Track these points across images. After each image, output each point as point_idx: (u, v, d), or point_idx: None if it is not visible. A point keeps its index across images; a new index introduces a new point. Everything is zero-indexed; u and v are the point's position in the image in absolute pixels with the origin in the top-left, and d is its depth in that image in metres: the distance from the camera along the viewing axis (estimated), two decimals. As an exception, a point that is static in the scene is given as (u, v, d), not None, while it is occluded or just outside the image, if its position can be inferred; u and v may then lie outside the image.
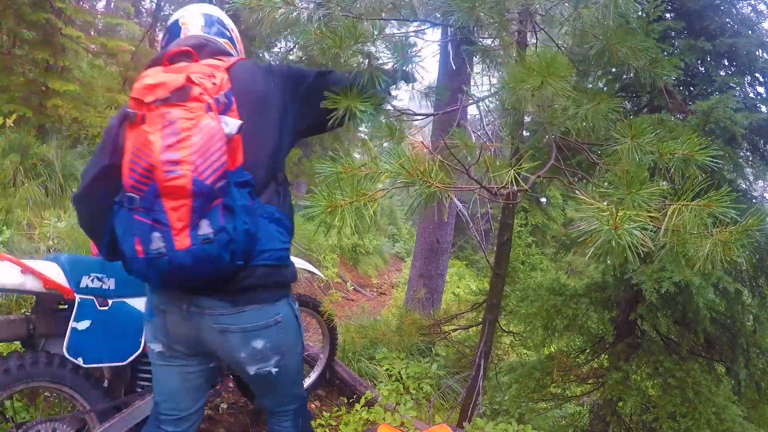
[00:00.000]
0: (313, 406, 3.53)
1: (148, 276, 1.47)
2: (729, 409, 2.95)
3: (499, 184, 1.80)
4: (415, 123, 2.27)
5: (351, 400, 3.49)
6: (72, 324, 2.15)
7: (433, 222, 5.61)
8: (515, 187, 1.76)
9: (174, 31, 1.81)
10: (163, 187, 1.34)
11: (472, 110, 6.36)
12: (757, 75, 3.42)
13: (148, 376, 2.48)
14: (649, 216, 1.51)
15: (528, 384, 3.61)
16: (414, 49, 1.93)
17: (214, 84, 1.45)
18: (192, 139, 1.34)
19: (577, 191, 1.84)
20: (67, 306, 2.23)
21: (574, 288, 3.61)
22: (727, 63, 3.48)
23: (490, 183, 1.90)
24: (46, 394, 2.44)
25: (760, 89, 3.49)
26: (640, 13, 3.06)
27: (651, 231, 1.50)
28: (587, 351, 3.77)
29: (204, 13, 1.86)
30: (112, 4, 12.36)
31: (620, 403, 3.33)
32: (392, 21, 2.21)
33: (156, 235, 1.38)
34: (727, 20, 3.39)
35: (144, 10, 14.03)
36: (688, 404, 3.00)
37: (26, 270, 2.04)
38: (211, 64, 1.54)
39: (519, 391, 3.62)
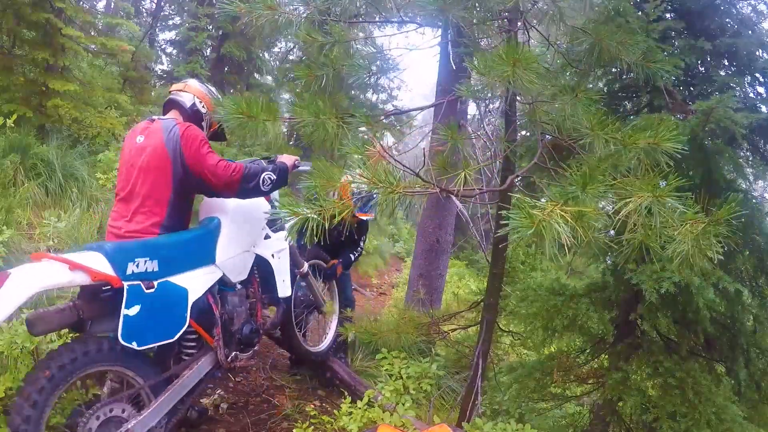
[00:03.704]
0: (312, 405, 3.53)
1: None
2: (729, 409, 2.95)
3: (493, 182, 1.85)
4: (415, 123, 2.28)
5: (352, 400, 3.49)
6: (123, 311, 2.19)
7: (433, 222, 5.60)
8: (475, 189, 1.81)
9: None
10: None
11: (472, 110, 6.36)
12: (757, 75, 3.42)
13: (193, 344, 2.63)
14: (595, 211, 1.53)
15: (528, 384, 3.61)
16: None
17: None
18: None
19: (545, 191, 1.86)
20: (110, 287, 2.24)
21: (574, 288, 3.60)
22: (727, 63, 3.48)
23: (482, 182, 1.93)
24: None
25: (760, 89, 3.49)
26: (639, 13, 3.06)
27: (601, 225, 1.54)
28: (587, 351, 3.77)
29: None
30: (112, 4, 12.35)
31: (620, 403, 3.32)
32: (382, 23, 2.24)
33: None
34: (727, 20, 3.39)
35: (144, 10, 14.03)
36: (688, 404, 2.99)
37: (74, 267, 2.09)
38: None
39: (519, 391, 3.61)
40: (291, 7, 2.13)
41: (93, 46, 7.02)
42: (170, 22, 12.85)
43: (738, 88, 3.26)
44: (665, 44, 3.19)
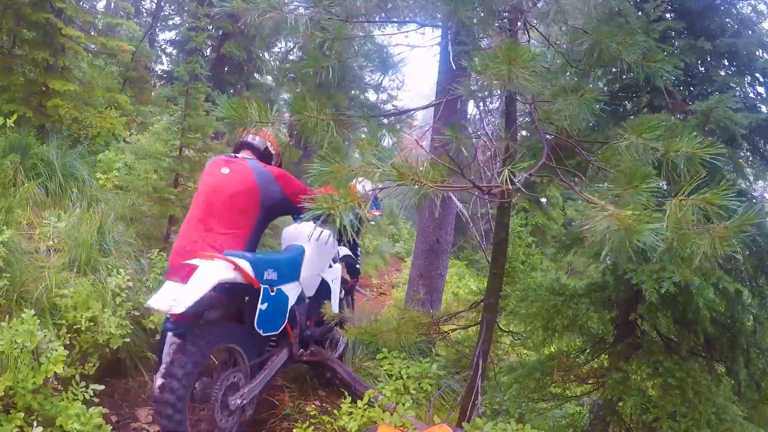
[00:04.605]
0: (312, 405, 3.53)
1: None
2: (729, 409, 2.95)
3: (493, 182, 1.84)
4: (415, 123, 2.28)
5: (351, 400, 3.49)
6: (259, 306, 2.87)
7: (433, 222, 5.60)
8: (509, 186, 1.78)
9: None
10: None
11: (471, 110, 6.36)
12: (757, 75, 3.42)
13: (275, 338, 3.21)
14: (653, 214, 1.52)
15: (528, 384, 3.60)
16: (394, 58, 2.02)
17: None
18: None
19: (576, 190, 1.85)
20: (230, 284, 2.76)
21: (574, 288, 3.60)
22: (727, 63, 3.48)
23: (482, 182, 1.92)
24: None
25: (760, 89, 3.49)
26: (639, 13, 3.06)
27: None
28: (587, 351, 3.77)
29: None
30: (112, 4, 12.33)
31: (620, 403, 3.32)
32: (383, 22, 2.23)
33: None
34: (727, 20, 3.39)
35: (144, 10, 14.02)
36: (688, 404, 2.99)
37: (236, 268, 2.72)
38: None
39: (519, 391, 3.61)
40: (294, 5, 2.13)
41: (93, 46, 7.02)
42: (170, 22, 12.84)
43: (738, 88, 3.26)
44: (665, 44, 3.19)
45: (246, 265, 2.78)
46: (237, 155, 3.24)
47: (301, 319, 3.40)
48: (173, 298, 2.52)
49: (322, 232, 3.43)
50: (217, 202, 3.05)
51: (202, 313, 2.85)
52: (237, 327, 2.97)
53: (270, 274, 2.96)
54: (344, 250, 4.16)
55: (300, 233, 3.47)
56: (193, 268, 2.60)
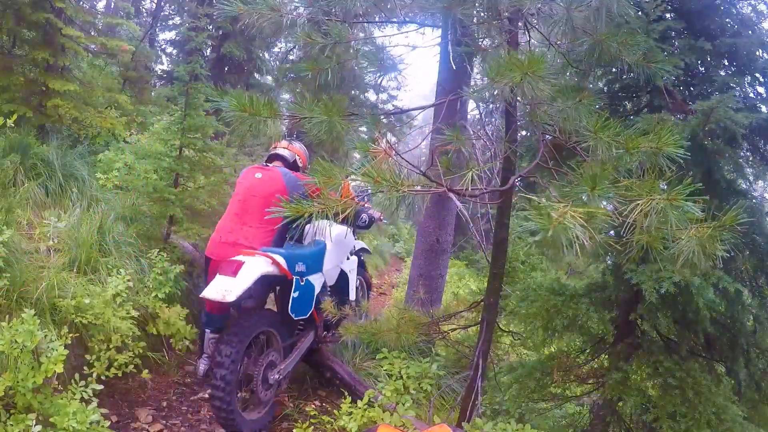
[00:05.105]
0: (312, 405, 3.53)
1: None
2: (729, 409, 2.95)
3: (493, 183, 1.85)
4: (415, 123, 2.30)
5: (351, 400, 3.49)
6: (292, 294, 3.30)
7: (433, 222, 5.59)
8: (478, 188, 1.80)
9: None
10: None
11: (472, 110, 6.35)
12: (757, 75, 3.41)
13: (303, 319, 3.57)
14: (605, 213, 1.53)
15: (528, 384, 3.60)
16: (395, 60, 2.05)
17: None
18: None
19: (550, 191, 1.86)
20: (264, 276, 3.11)
21: (574, 288, 3.60)
22: (727, 63, 3.47)
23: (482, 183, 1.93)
24: None
25: (760, 89, 3.48)
26: (639, 13, 3.05)
27: (606, 226, 1.54)
28: (587, 351, 3.77)
29: None
30: (112, 4, 12.31)
31: (620, 403, 3.32)
32: (383, 23, 2.24)
33: None
34: (727, 20, 3.39)
35: (144, 10, 14.00)
36: (688, 404, 2.99)
37: (274, 262, 3.16)
38: None
39: (519, 391, 3.61)
40: (292, 7, 2.13)
41: (93, 46, 7.00)
42: (170, 22, 12.82)
43: (738, 88, 3.26)
44: (665, 44, 3.19)
45: (281, 260, 3.20)
46: (269, 164, 3.74)
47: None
48: (225, 289, 2.92)
49: (346, 229, 3.95)
50: (251, 201, 3.52)
51: (240, 302, 3.18)
52: (272, 313, 3.45)
53: (300, 267, 3.37)
54: (360, 244, 4.54)
55: (321, 229, 3.76)
56: (234, 263, 3.02)
